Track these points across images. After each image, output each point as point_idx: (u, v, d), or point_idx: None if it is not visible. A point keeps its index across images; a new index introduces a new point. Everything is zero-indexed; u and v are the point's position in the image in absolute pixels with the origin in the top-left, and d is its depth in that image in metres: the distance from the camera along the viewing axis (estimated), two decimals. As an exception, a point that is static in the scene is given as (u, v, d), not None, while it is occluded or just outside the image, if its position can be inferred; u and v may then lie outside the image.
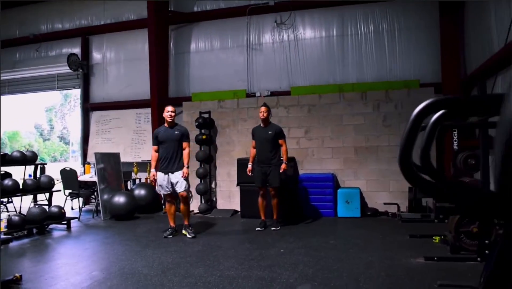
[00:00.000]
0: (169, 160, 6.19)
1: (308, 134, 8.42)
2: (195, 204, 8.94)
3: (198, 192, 8.68)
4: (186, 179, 6.19)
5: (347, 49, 8.57)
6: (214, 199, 8.95)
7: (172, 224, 6.37)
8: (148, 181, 6.55)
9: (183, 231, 6.35)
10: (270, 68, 9.05)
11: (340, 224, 7.20)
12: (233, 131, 8.90)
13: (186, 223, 6.37)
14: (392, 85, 8.09)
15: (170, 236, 6.20)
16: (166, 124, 6.33)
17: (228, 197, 8.85)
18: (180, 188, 6.18)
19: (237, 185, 8.10)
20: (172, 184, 6.21)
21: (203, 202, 8.84)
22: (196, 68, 9.69)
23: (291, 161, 8.19)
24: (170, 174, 6.20)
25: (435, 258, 4.59)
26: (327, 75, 8.67)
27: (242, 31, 9.24)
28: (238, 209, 8.32)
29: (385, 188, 7.95)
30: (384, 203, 7.81)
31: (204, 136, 8.64)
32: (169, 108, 6.30)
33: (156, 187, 6.44)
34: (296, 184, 8.02)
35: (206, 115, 8.87)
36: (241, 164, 7.95)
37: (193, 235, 6.23)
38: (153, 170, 6.25)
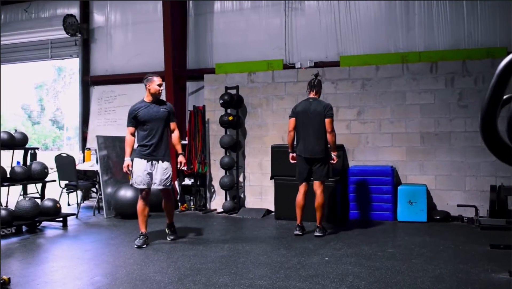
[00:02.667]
0: (155, 144, 6.04)
1: (362, 117, 8.38)
2: (219, 202, 9.08)
3: (222, 186, 8.79)
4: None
5: (413, 8, 8.43)
6: (242, 196, 9.05)
7: (143, 230, 6.12)
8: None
9: (167, 231, 6.45)
10: (314, 33, 9.00)
11: (400, 230, 7.18)
12: (266, 111, 8.95)
13: (170, 221, 6.47)
14: (471, 54, 7.93)
15: (144, 246, 5.96)
16: (147, 99, 6.17)
17: (260, 193, 8.92)
18: (168, 181, 6.18)
19: (271, 179, 8.15)
20: (151, 175, 6.09)
21: (228, 198, 8.96)
22: (221, 33, 9.74)
23: (340, 150, 8.19)
24: (154, 162, 6.10)
25: (524, 273, 4.53)
26: (386, 41, 8.56)
27: (279, -14, 9.24)
28: (272, 208, 8.40)
29: (459, 186, 7.85)
30: (458, 205, 7.72)
31: (230, 118, 8.73)
32: (158, 80, 6.17)
33: (132, 179, 6.15)
34: (345, 179, 8.01)
35: (233, 92, 8.95)
36: (277, 152, 8.00)
37: (173, 237, 6.36)
38: (128, 158, 6.03)
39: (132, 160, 6.07)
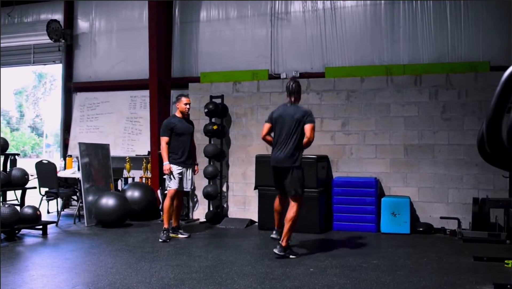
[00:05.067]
0: (187, 154, 7.15)
1: (346, 128, 8.40)
2: (201, 211, 9.01)
3: (205, 196, 8.72)
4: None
5: (397, 21, 8.51)
6: (225, 206, 8.98)
7: (167, 225, 7.02)
8: (165, 177, 7.06)
9: (175, 236, 7.17)
10: (299, 44, 9.04)
11: (384, 241, 7.18)
12: (251, 121, 8.93)
13: (177, 224, 7.30)
14: (454, 68, 8.02)
15: (168, 240, 6.84)
16: (179, 115, 7.23)
17: (243, 203, 8.87)
18: (191, 185, 7.33)
19: (255, 189, 8.12)
20: (181, 180, 7.13)
21: (211, 208, 8.89)
22: (207, 42, 9.73)
23: (324, 160, 8.20)
24: (185, 168, 7.19)
25: (508, 286, 4.54)
26: (371, 53, 8.63)
27: (266, -4, 9.27)
28: (256, 218, 8.34)
29: (442, 198, 7.89)
30: (441, 217, 7.74)
31: (214, 127, 8.69)
32: (185, 100, 7.22)
33: (171, 182, 7.04)
34: (329, 190, 8.02)
35: (218, 101, 8.92)
36: (261, 162, 7.97)
37: (186, 234, 7.24)
38: (167, 162, 7.02)
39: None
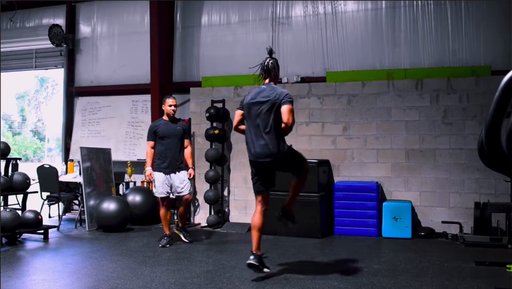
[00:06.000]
0: (170, 158, 6.82)
1: (347, 132, 8.41)
2: (203, 216, 9.01)
3: (206, 200, 8.73)
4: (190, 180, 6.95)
5: (398, 25, 8.52)
6: (226, 210, 8.98)
7: (167, 232, 6.93)
8: (144, 184, 6.97)
9: (178, 233, 7.15)
10: (300, 48, 9.06)
11: (385, 246, 7.17)
12: (252, 125, 8.91)
13: (183, 225, 7.24)
14: (455, 72, 8.03)
15: (167, 245, 6.77)
16: (166, 118, 6.98)
17: (244, 208, 8.87)
18: (186, 190, 6.88)
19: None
20: (171, 186, 6.88)
21: (212, 212, 8.89)
22: (208, 47, 9.76)
23: (325, 165, 8.20)
24: (172, 174, 6.85)
25: (510, 290, 4.54)
26: (372, 58, 8.64)
27: (267, 2, 9.28)
28: (256, 223, 8.32)
29: (443, 203, 7.88)
30: (443, 222, 7.75)
31: (216, 131, 8.69)
32: (171, 101, 6.93)
33: (154, 189, 6.95)
34: (330, 194, 8.02)
35: (220, 105, 8.93)
36: (262, 166, 7.97)
37: (190, 239, 7.08)
38: (149, 168, 6.88)
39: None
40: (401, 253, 6.53)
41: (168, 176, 6.82)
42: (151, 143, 6.88)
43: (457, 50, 8.21)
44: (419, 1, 8.41)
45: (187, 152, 7.05)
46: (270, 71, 5.14)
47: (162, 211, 6.98)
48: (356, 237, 7.71)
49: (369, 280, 5.04)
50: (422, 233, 7.72)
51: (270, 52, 5.21)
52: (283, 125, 4.90)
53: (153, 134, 6.88)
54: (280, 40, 9.19)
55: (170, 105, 6.90)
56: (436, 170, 7.94)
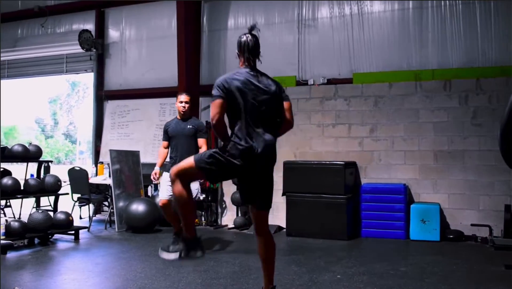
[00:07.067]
0: (178, 159, 6.08)
1: (374, 134, 8.37)
2: (230, 217, 9.07)
3: (233, 202, 8.79)
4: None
5: (426, 26, 8.43)
6: (252, 212, 9.01)
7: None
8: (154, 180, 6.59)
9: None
10: (327, 50, 9.03)
11: (412, 248, 7.13)
12: (278, 128, 8.94)
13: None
14: (485, 72, 7.91)
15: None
16: (178, 116, 6.65)
17: (271, 209, 8.80)
18: (196, 193, 6.48)
19: (283, 195, 8.13)
20: None
21: (239, 214, 8.95)
22: (234, 49, 9.70)
23: (352, 167, 8.19)
24: None
25: (540, 294, 4.46)
26: (399, 59, 8.57)
27: (293, 4, 9.29)
28: (283, 224, 8.36)
29: (473, 205, 7.78)
30: (472, 225, 7.64)
31: (242, 133, 8.71)
32: (182, 97, 6.51)
33: (159, 190, 6.68)
34: (357, 196, 8.01)
35: (246, 107, 8.94)
36: (289, 168, 8.01)
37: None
38: (157, 167, 6.62)
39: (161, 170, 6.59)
40: (429, 256, 6.48)
41: None
42: (165, 143, 6.63)
43: (486, 50, 8.08)
44: (447, 1, 8.31)
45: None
46: (257, 51, 3.97)
47: (163, 214, 6.59)
48: (383, 239, 7.67)
49: (395, 283, 5.03)
50: (451, 236, 7.63)
51: (251, 29, 4.03)
52: (285, 124, 3.97)
53: (165, 134, 6.63)
54: (306, 42, 9.19)
55: (181, 102, 6.45)
56: (465, 172, 7.84)
